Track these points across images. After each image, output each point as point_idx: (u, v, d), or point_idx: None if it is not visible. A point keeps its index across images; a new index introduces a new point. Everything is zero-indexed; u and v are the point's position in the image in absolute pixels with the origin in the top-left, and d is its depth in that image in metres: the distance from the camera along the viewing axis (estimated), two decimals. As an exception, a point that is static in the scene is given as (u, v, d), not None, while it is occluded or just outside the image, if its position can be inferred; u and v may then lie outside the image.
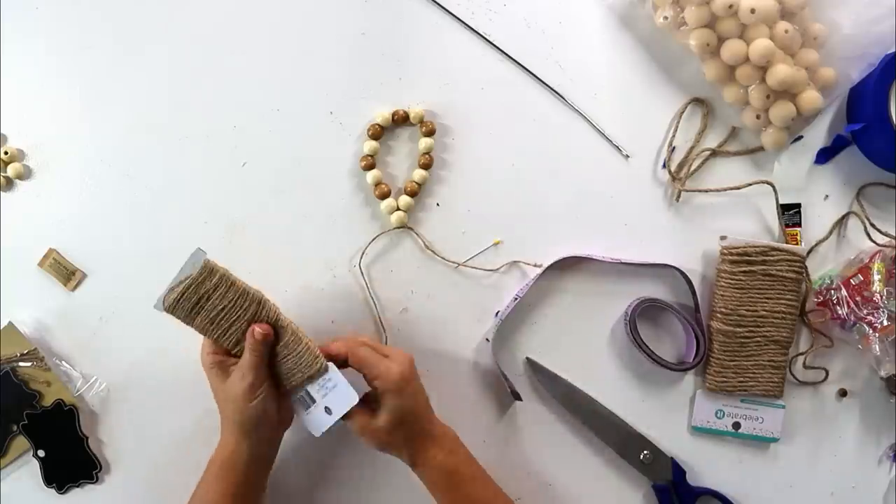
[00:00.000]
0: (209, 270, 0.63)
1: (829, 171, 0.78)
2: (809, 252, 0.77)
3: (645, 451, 0.76)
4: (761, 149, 0.77)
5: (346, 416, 0.66)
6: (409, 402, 0.66)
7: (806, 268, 0.76)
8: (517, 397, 0.75)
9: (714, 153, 0.78)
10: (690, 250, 0.78)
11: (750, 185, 0.76)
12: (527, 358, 0.77)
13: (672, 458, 0.77)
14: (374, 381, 0.65)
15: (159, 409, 0.75)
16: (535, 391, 0.77)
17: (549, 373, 0.76)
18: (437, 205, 0.77)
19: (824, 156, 0.78)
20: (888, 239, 0.77)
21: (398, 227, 0.76)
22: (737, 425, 0.77)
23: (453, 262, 0.77)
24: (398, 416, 0.65)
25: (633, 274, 0.77)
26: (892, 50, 0.73)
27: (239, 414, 0.64)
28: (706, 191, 0.77)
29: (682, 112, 0.77)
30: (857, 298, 0.74)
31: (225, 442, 0.67)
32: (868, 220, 0.77)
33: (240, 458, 0.66)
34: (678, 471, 0.76)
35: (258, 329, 0.64)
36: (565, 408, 0.76)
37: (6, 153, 0.74)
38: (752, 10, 0.70)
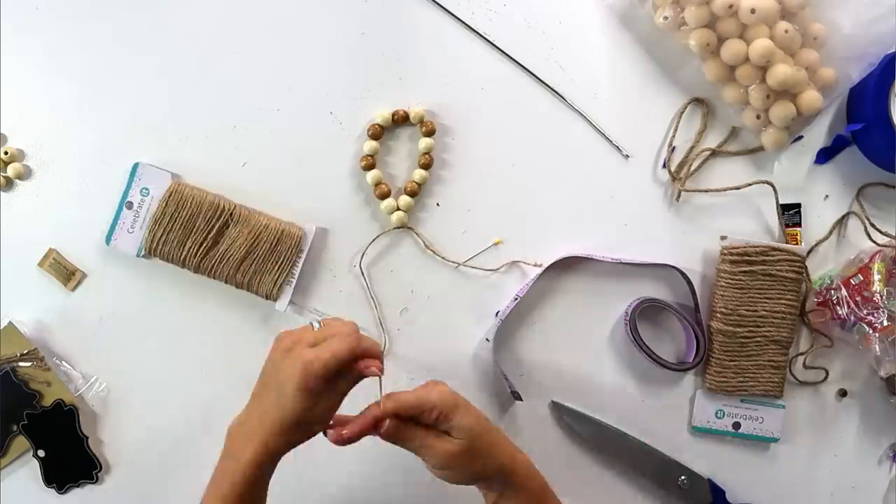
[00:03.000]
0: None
1: (829, 171, 0.78)
2: (809, 252, 0.77)
3: (682, 477, 0.76)
4: (761, 149, 0.77)
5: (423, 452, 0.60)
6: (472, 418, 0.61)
7: (806, 268, 0.76)
8: (517, 397, 0.75)
9: (714, 153, 0.77)
10: (690, 250, 0.77)
11: (750, 185, 0.76)
12: (552, 402, 0.77)
13: (708, 479, 0.77)
14: (433, 409, 0.59)
15: (159, 409, 0.75)
16: (563, 431, 0.77)
17: (576, 414, 0.76)
18: (437, 205, 0.77)
19: (824, 156, 0.78)
20: (888, 239, 0.77)
21: (398, 227, 0.76)
22: (737, 425, 0.77)
23: (453, 262, 0.77)
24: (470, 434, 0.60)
25: (633, 274, 0.77)
26: (892, 50, 0.73)
27: (298, 432, 0.59)
28: (706, 191, 0.77)
29: (682, 112, 0.77)
30: (857, 298, 0.74)
31: (262, 439, 0.59)
32: (868, 220, 0.77)
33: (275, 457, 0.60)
34: (716, 491, 0.76)
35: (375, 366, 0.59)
36: (596, 446, 0.77)
37: (6, 153, 0.74)
38: (752, 10, 0.70)
